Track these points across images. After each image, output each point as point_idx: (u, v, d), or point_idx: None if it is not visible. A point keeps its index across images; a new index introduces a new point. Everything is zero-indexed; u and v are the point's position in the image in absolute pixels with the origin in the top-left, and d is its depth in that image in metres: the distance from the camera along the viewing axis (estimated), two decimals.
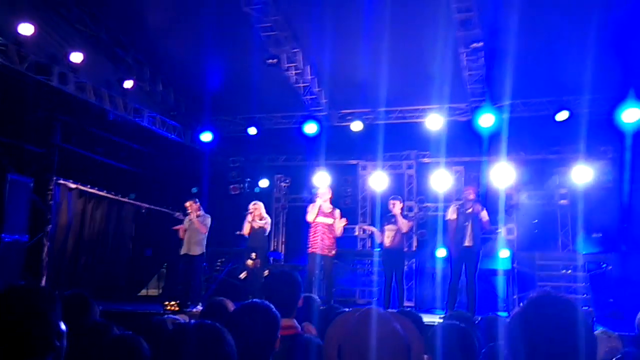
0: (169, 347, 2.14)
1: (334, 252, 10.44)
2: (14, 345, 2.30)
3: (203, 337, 2.18)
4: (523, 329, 1.94)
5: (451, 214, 10.31)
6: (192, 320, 3.22)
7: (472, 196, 10.17)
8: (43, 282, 10.94)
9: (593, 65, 11.50)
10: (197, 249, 11.10)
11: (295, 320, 3.62)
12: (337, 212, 10.63)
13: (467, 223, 9.99)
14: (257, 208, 11.16)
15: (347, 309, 4.58)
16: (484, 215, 10.20)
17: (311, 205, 10.67)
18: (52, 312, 2.48)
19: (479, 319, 5.12)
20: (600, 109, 12.95)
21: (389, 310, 1.99)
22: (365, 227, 15.09)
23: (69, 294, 3.84)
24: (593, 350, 1.92)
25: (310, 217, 10.50)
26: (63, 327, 2.50)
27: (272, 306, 3.09)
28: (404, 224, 10.82)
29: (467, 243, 9.97)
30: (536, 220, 15.08)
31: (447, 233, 10.54)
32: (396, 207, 10.92)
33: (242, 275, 11.04)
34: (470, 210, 10.07)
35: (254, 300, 3.18)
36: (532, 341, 1.90)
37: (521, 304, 2.09)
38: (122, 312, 9.69)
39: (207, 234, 11.20)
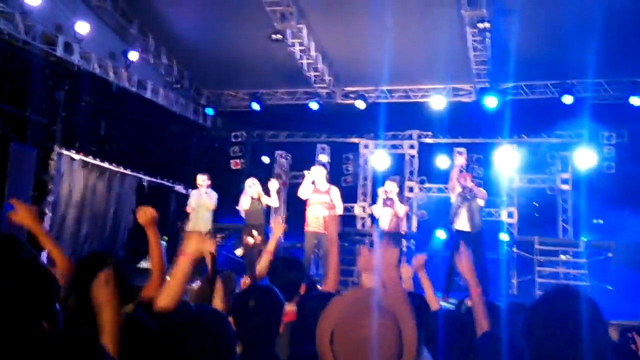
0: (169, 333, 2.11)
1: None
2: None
3: (205, 325, 2.14)
4: (543, 322, 1.98)
5: (452, 197, 10.26)
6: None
7: (468, 182, 10.08)
8: (45, 253, 10.96)
9: (599, 49, 11.45)
10: (205, 226, 11.05)
11: (295, 306, 3.64)
12: (334, 190, 10.35)
13: (462, 206, 9.96)
14: (256, 184, 11.08)
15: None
16: (478, 192, 10.09)
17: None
18: (44, 290, 2.41)
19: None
20: (605, 93, 12.98)
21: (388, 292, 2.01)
22: None
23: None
24: (606, 347, 1.96)
25: (300, 193, 10.41)
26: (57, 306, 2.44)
27: (276, 290, 3.12)
28: (400, 208, 10.75)
29: (462, 227, 9.96)
30: (537, 204, 15.08)
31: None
32: (394, 189, 10.80)
33: (239, 252, 11.01)
34: (466, 194, 10.00)
35: (259, 283, 3.20)
36: (549, 335, 1.95)
37: (541, 296, 2.12)
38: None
39: (212, 211, 11.16)
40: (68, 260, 3.51)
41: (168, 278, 3.19)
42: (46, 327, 2.29)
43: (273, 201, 11.12)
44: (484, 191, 10.26)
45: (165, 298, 2.91)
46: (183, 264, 2.98)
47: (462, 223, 9.95)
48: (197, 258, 3.06)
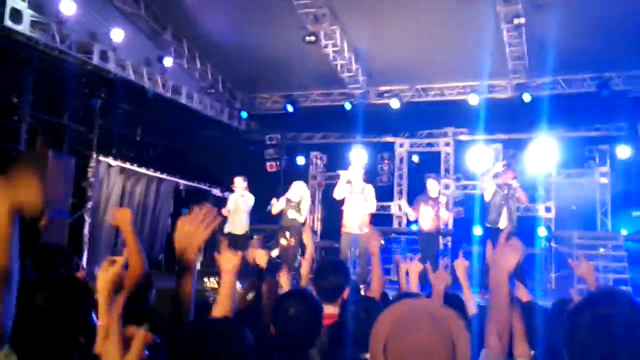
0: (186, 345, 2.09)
1: (366, 230, 10.04)
2: (35, 343, 2.19)
3: (221, 338, 2.11)
4: (586, 325, 1.92)
5: (487, 195, 10.17)
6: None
7: (510, 180, 9.98)
8: (84, 259, 11.13)
9: (636, 41, 11.26)
10: (241, 228, 11.06)
11: (338, 308, 3.64)
12: (368, 188, 10.27)
13: (503, 204, 9.87)
14: (294, 190, 10.89)
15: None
16: (521, 194, 10.04)
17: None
18: (81, 305, 2.41)
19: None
20: None
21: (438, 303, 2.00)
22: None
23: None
24: None
25: (335, 194, 10.37)
26: (95, 319, 2.40)
27: (314, 295, 3.14)
28: (444, 214, 10.80)
29: (501, 225, 9.86)
30: (574, 207, 14.87)
31: (484, 213, 10.42)
32: (435, 188, 10.82)
33: (275, 253, 10.99)
34: (506, 191, 9.94)
35: (298, 289, 3.22)
36: (593, 339, 1.89)
37: (584, 298, 2.07)
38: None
39: (249, 213, 11.14)
40: (144, 264, 3.42)
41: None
42: (83, 342, 2.31)
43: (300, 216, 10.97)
44: (525, 195, 10.20)
45: (220, 311, 2.96)
46: (227, 280, 2.97)
47: (502, 221, 9.86)
48: (237, 270, 3.08)
